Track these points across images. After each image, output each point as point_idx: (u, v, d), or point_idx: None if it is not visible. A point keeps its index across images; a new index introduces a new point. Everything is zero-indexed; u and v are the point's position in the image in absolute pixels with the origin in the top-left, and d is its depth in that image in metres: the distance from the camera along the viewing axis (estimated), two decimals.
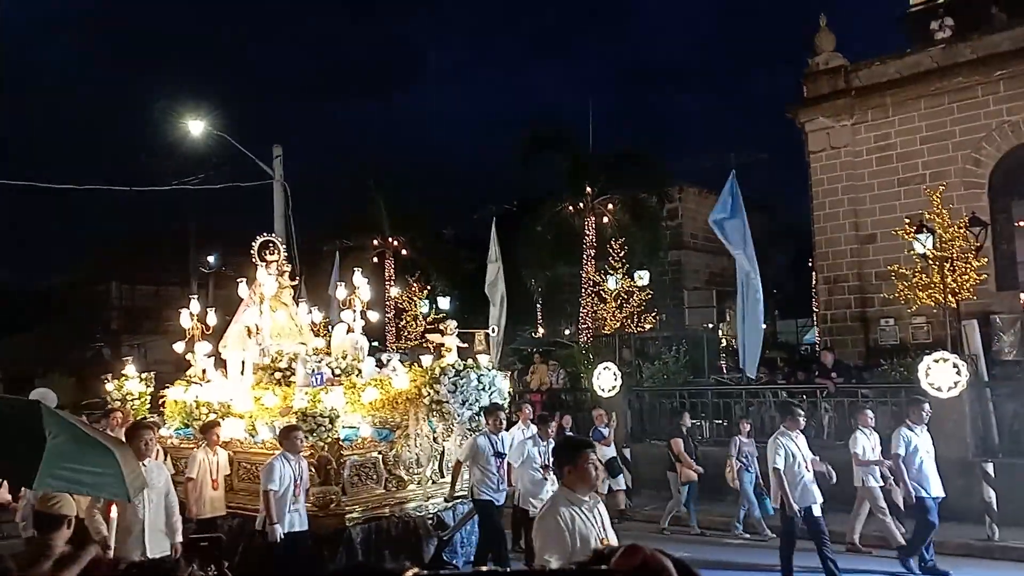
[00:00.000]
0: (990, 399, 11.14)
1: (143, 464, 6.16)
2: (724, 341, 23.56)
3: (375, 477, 8.61)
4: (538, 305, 26.72)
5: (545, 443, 8.56)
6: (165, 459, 8.68)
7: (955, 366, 10.55)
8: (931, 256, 13.59)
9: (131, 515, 6.07)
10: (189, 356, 10.62)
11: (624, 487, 12.17)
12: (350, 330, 10.07)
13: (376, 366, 9.77)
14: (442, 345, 8.96)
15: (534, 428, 9.56)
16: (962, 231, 13.73)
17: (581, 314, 21.61)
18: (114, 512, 5.32)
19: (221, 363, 10.49)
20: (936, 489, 8.49)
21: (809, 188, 18.54)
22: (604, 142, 26.44)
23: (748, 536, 10.57)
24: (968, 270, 13.49)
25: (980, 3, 18.35)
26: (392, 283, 25.38)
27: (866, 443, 9.32)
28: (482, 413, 8.57)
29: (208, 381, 10.15)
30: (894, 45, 18.93)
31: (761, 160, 25.49)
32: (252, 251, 10.63)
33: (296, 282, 10.97)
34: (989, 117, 16.38)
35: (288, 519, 7.43)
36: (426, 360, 8.87)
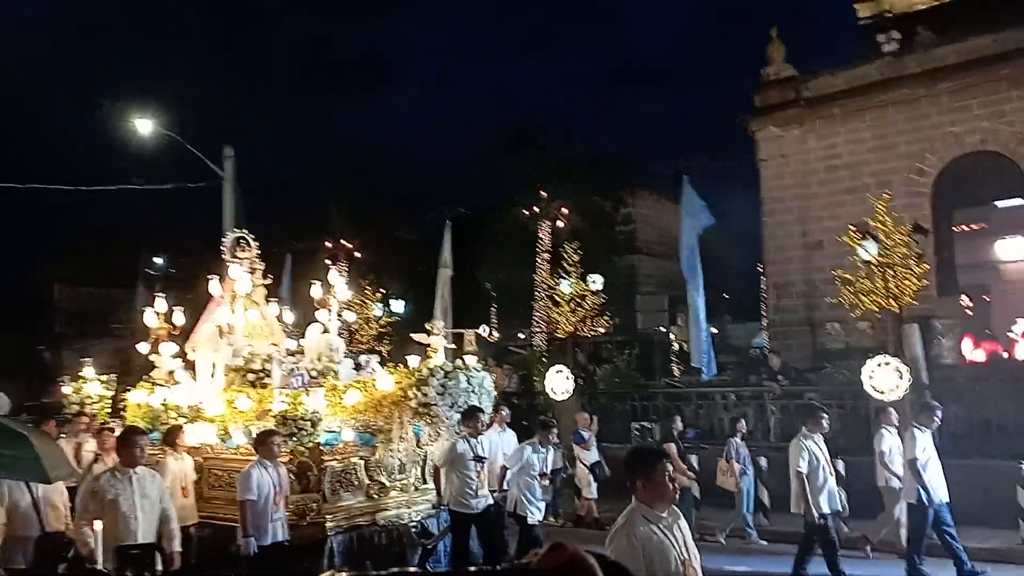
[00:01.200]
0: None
1: (134, 472, 5.85)
2: (676, 344, 23.81)
3: (356, 484, 8.19)
4: (492, 308, 26.72)
5: (545, 450, 8.29)
6: None
7: (897, 370, 10.81)
8: (875, 262, 13.91)
9: (123, 527, 5.70)
10: (154, 357, 10.16)
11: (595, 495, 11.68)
12: (325, 331, 9.64)
13: (354, 368, 9.39)
14: (427, 345, 8.53)
15: (510, 432, 9.34)
16: (905, 238, 14.09)
17: (535, 317, 21.67)
18: (98, 525, 5.05)
19: (188, 365, 10.08)
20: (938, 494, 8.29)
21: (759, 195, 18.88)
22: (562, 147, 26.75)
23: (766, 543, 10.16)
24: (910, 276, 13.84)
25: (926, 18, 18.89)
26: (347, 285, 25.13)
27: (892, 443, 8.99)
28: (462, 416, 8.17)
29: (176, 383, 9.71)
30: (848, 56, 19.39)
31: (715, 166, 25.90)
32: (223, 248, 10.19)
33: (269, 280, 10.51)
34: (932, 128, 16.85)
35: (271, 528, 7.11)
36: (413, 361, 8.43)
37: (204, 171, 16.55)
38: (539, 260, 22.37)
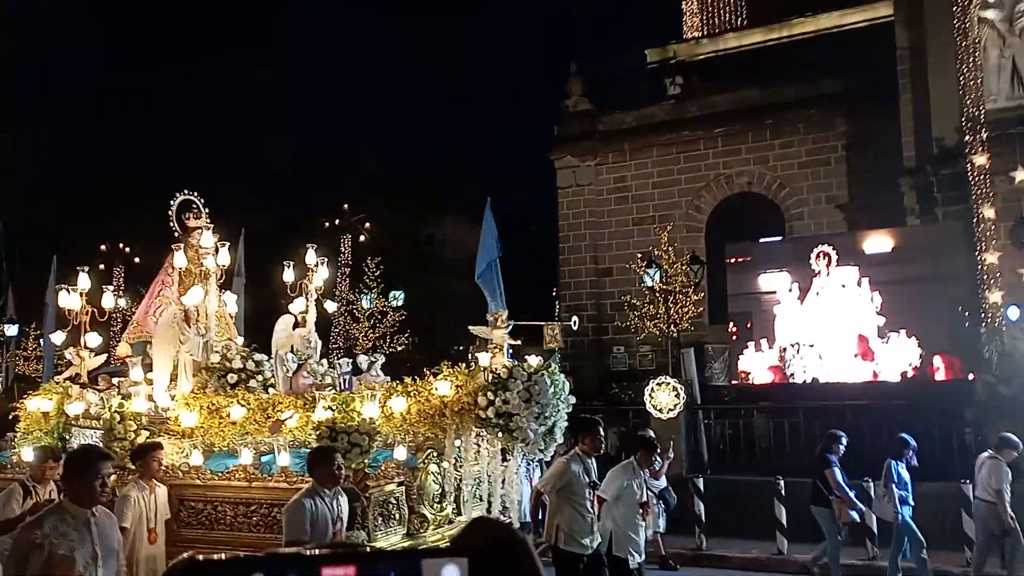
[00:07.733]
0: (702, 420, 12.46)
1: (92, 512, 3.91)
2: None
3: (398, 517, 6.34)
4: None
5: (642, 475, 7.04)
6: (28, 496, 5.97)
7: (675, 389, 11.70)
8: (658, 290, 15.01)
9: None
10: (69, 352, 7.55)
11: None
12: (298, 324, 7.76)
13: (349, 370, 7.63)
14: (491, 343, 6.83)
15: None
16: (683, 268, 15.32)
17: (333, 333, 21.14)
18: None
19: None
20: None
21: (557, 222, 19.78)
22: (372, 164, 26.53)
23: None
24: (687, 303, 15.07)
25: (706, 67, 20.79)
26: (122, 293, 23.16)
27: None
28: (571, 428, 6.60)
29: (107, 387, 7.34)
30: (644, 97, 20.85)
31: (522, 193, 26.78)
32: (170, 214, 8.05)
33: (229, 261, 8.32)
34: (709, 168, 18.53)
35: None
36: (483, 358, 6.64)
37: None
38: (339, 274, 21.89)
